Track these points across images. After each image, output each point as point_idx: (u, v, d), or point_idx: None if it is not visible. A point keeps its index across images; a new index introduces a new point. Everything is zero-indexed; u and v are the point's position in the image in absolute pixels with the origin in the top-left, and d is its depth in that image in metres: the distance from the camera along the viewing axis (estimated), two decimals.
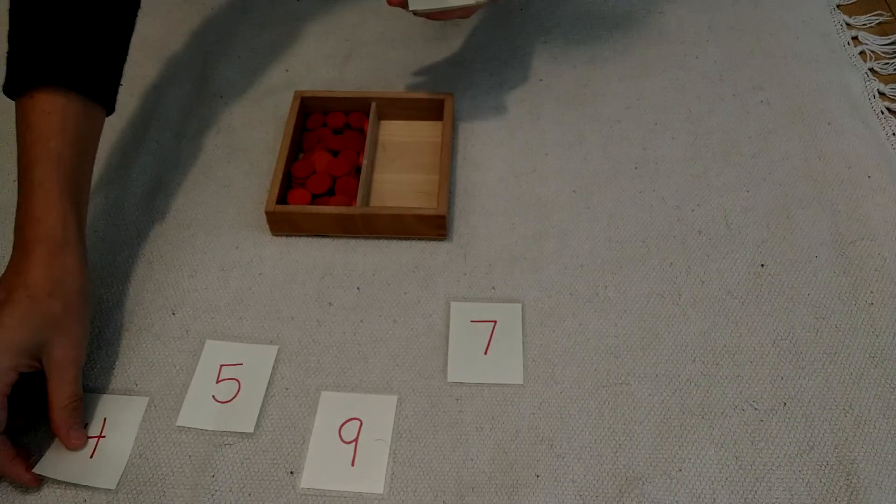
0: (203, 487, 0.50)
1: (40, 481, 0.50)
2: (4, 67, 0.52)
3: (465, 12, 0.59)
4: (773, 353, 0.55)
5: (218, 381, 0.54)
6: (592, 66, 0.75)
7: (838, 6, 0.81)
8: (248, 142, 0.70)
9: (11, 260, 0.51)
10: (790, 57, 0.75)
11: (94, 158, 0.56)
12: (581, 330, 0.57)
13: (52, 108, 0.51)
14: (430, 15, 0.58)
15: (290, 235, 0.63)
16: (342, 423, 0.52)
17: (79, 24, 0.53)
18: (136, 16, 0.58)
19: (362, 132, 0.68)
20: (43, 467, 0.50)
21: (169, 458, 0.51)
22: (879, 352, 0.55)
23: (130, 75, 0.75)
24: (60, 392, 0.49)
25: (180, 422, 0.53)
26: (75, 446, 0.50)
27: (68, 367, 0.50)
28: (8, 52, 0.52)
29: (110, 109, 0.57)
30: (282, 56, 0.77)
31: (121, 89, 0.74)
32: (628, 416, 0.52)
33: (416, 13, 0.58)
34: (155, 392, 0.54)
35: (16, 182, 0.66)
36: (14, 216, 0.64)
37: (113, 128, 0.71)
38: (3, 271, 0.60)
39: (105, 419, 0.53)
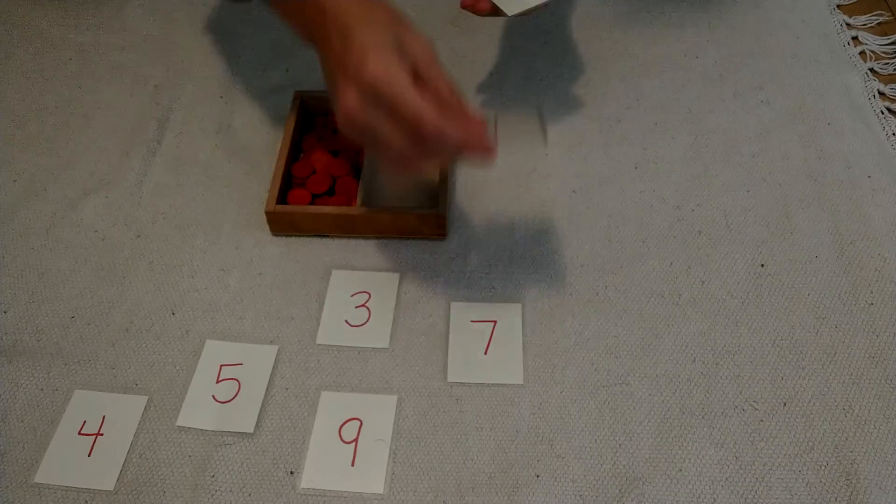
0: (203, 487, 0.50)
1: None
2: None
3: (544, 7, 0.59)
4: (773, 353, 0.55)
5: (218, 381, 0.54)
6: (592, 66, 0.75)
7: (838, 6, 0.81)
8: (248, 142, 0.70)
9: (327, 41, 0.49)
10: (790, 57, 0.75)
11: None
12: (581, 330, 0.57)
13: None
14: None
15: (290, 235, 0.63)
16: (342, 423, 0.52)
17: None
18: None
19: None
20: (42, 475, 0.50)
21: (169, 458, 0.51)
22: (879, 352, 0.55)
23: (131, 75, 0.76)
24: (441, 81, 0.48)
25: (180, 422, 0.52)
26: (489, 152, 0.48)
27: (432, 52, 0.49)
28: None
29: None
30: (282, 56, 0.77)
31: (121, 89, 0.74)
32: (628, 416, 0.52)
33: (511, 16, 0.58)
34: (155, 392, 0.54)
35: (16, 182, 0.67)
36: (11, 215, 0.64)
37: (113, 128, 0.71)
38: None
39: (104, 417, 0.53)
